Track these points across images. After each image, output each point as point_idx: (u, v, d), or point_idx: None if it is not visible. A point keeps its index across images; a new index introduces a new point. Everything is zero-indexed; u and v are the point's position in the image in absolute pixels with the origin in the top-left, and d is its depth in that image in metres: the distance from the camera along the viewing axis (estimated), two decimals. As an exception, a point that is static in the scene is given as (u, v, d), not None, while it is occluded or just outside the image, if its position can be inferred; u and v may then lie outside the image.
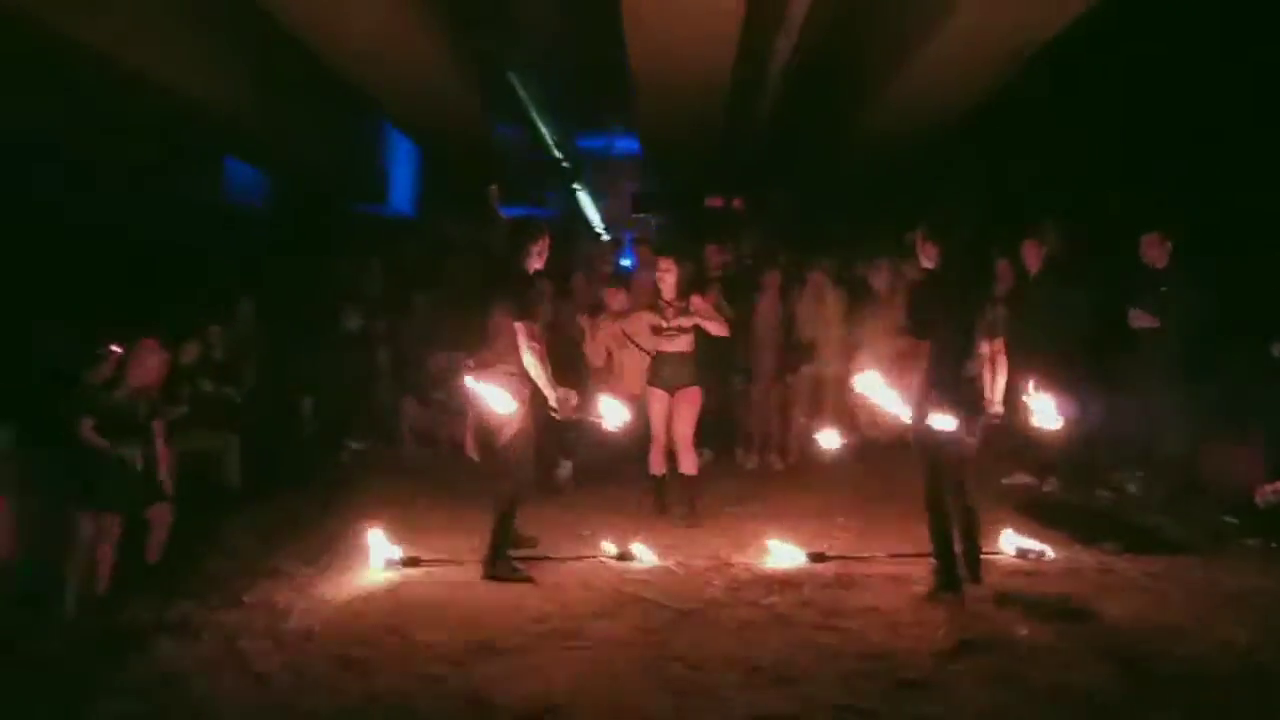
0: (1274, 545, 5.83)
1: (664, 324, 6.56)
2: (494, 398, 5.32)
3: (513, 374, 5.35)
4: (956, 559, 5.02)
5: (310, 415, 8.70)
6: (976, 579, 5.09)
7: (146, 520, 5.53)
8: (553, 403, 5.39)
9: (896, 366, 7.36)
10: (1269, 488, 6.22)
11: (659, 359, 6.64)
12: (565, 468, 7.65)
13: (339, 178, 13.08)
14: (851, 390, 6.44)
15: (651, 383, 6.65)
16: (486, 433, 5.54)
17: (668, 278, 6.59)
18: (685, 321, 6.54)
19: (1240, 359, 6.67)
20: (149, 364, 5.76)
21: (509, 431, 5.37)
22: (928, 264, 5.16)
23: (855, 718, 3.69)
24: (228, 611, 4.93)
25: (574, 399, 5.71)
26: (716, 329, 6.60)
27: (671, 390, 6.57)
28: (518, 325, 5.29)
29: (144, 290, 8.50)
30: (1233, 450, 6.54)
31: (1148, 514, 6.70)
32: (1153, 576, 5.28)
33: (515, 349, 5.31)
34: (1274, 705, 3.71)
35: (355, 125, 12.72)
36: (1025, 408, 5.52)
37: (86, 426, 5.41)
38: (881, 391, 5.43)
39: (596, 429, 6.27)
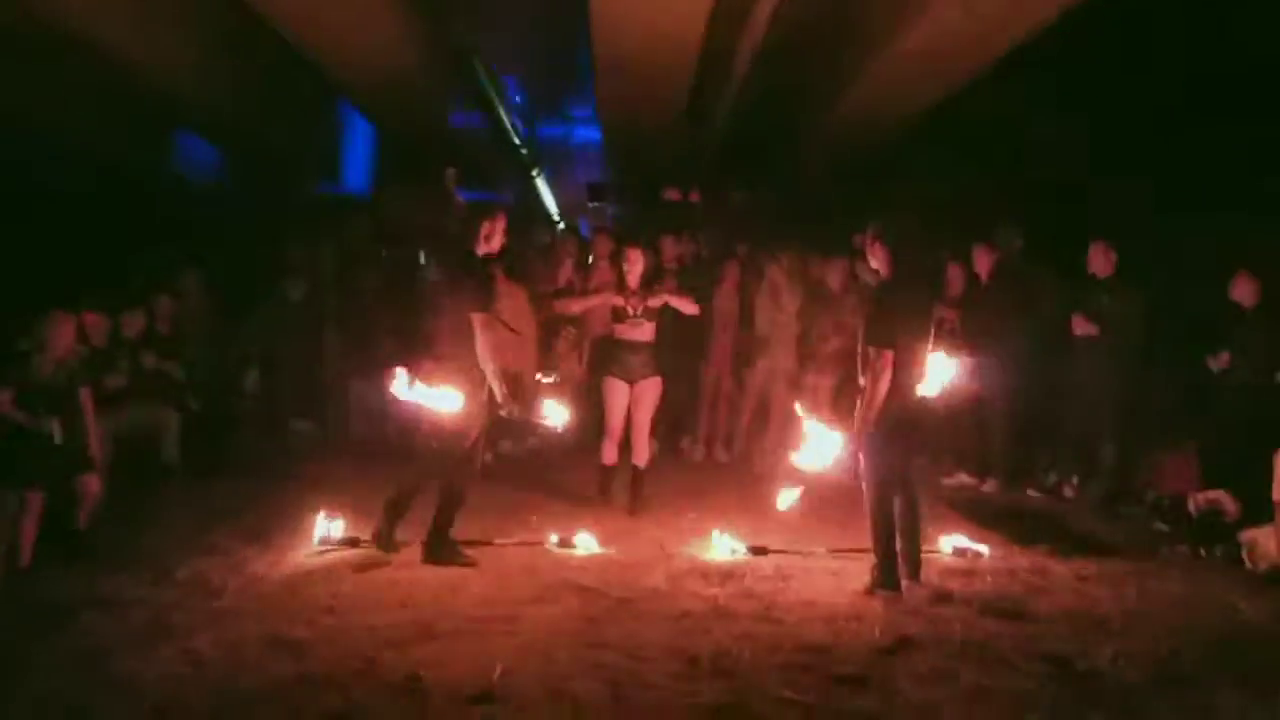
0: (1202, 553, 5.97)
1: (628, 309, 6.52)
2: (438, 398, 5.19)
3: (464, 367, 5.24)
4: (897, 557, 5.08)
5: (255, 392, 8.56)
6: (915, 578, 5.15)
7: (73, 492, 5.41)
8: (500, 399, 5.32)
9: (845, 363, 7.48)
10: (1201, 496, 6.39)
11: (620, 346, 6.59)
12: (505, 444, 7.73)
13: (293, 155, 12.88)
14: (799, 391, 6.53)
15: (612, 372, 6.61)
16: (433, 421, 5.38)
17: (635, 267, 6.57)
18: (655, 301, 6.54)
19: (1178, 370, 6.83)
20: (61, 333, 5.64)
21: (459, 420, 5.26)
22: (877, 266, 5.20)
23: (792, 710, 3.70)
24: (160, 588, 4.84)
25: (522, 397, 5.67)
26: (689, 307, 6.65)
27: (634, 381, 6.55)
28: (474, 316, 5.19)
29: (86, 261, 8.32)
30: (1168, 458, 6.70)
31: (1083, 517, 6.84)
32: (1084, 579, 5.39)
33: (468, 339, 5.21)
34: (1191, 709, 3.78)
35: (311, 103, 12.54)
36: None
37: (4, 400, 5.29)
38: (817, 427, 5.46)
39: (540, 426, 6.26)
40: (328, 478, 6.94)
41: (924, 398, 5.13)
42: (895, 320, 4.98)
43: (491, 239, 5.37)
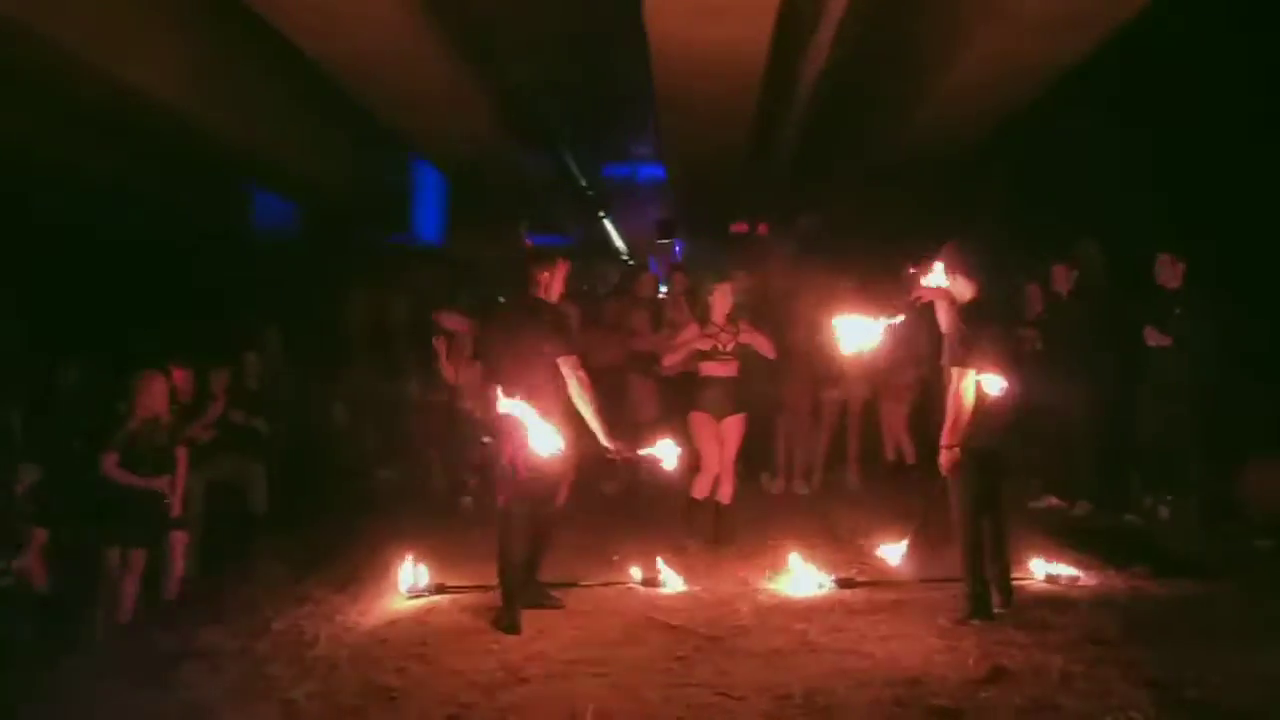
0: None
1: (717, 346, 6.55)
2: (537, 429, 5.03)
3: (551, 410, 5.09)
4: (988, 585, 4.97)
5: (342, 440, 8.72)
6: (1008, 604, 5.04)
7: (167, 547, 5.58)
8: (604, 440, 5.33)
9: (920, 391, 7.38)
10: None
11: (708, 383, 6.59)
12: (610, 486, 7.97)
13: (365, 207, 13.20)
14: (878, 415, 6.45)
15: (700, 408, 6.59)
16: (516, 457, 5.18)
17: (723, 301, 6.62)
18: (744, 338, 6.57)
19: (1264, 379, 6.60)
20: (155, 392, 5.83)
21: (544, 461, 5.06)
22: (958, 290, 5.12)
23: (886, 746, 3.64)
24: (255, 639, 4.94)
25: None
26: (769, 349, 6.66)
27: (720, 417, 6.55)
28: (562, 359, 5.19)
29: (174, 320, 8.61)
30: (1266, 472, 6.45)
31: (1179, 538, 6.61)
32: (1185, 601, 5.21)
33: (551, 385, 5.16)
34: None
35: (381, 154, 12.86)
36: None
37: (110, 462, 5.46)
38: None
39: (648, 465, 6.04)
40: (413, 525, 7.03)
41: (1010, 420, 5.03)
42: (979, 341, 4.92)
43: (551, 287, 5.35)
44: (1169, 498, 7.08)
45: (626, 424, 7.64)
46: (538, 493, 5.20)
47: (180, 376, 6.69)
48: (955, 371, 4.89)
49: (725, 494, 6.63)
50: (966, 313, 5.08)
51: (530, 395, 5.06)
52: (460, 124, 10.68)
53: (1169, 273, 6.97)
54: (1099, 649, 4.53)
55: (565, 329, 5.45)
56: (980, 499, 5.01)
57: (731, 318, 6.64)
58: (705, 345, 6.57)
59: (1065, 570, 5.65)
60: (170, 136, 9.37)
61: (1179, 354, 6.79)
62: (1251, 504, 6.68)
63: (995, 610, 4.94)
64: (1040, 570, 5.69)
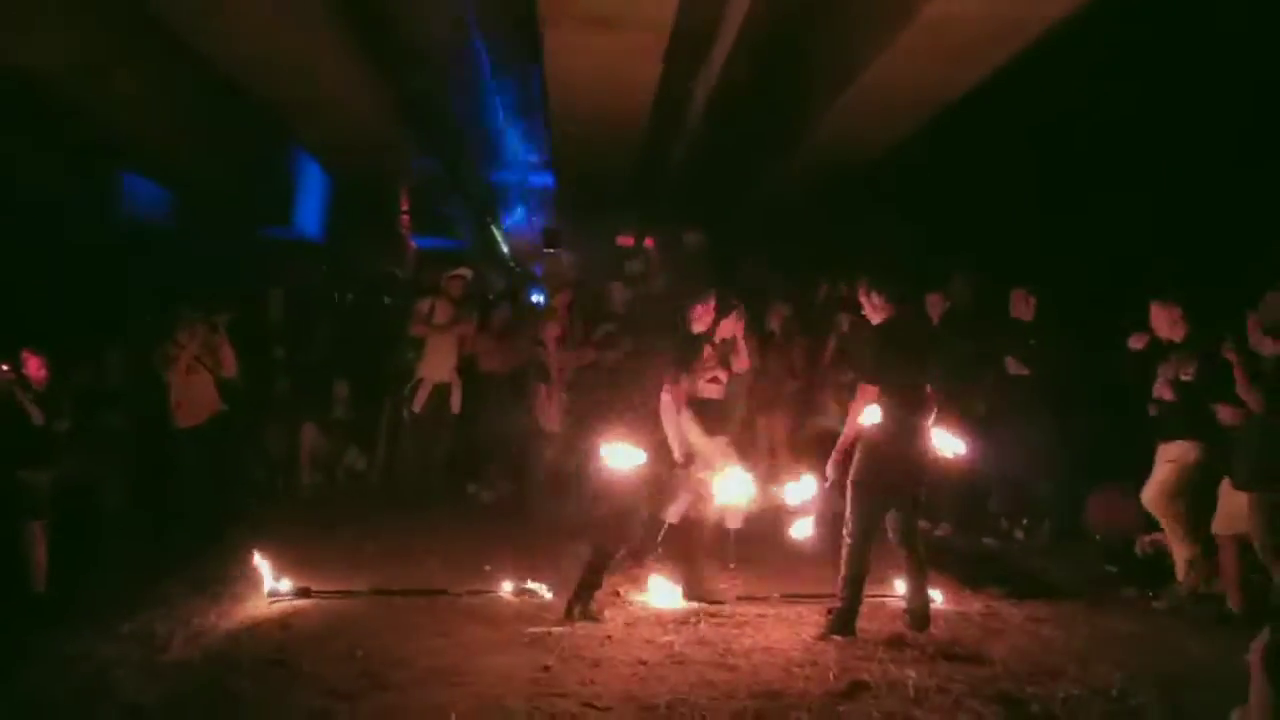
0: (1150, 594, 6.05)
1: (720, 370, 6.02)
2: (626, 455, 5.45)
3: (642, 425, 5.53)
4: (859, 606, 5.09)
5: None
6: (923, 629, 5.16)
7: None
8: (679, 457, 5.42)
9: (799, 406, 7.50)
10: (1147, 539, 6.50)
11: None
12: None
13: (246, 200, 12.79)
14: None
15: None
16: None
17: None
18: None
19: (1118, 413, 6.95)
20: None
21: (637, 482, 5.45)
22: (874, 314, 5.26)
23: (746, 757, 3.69)
24: (102, 642, 4.71)
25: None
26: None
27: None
28: (673, 378, 5.41)
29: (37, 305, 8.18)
30: (1115, 500, 6.80)
31: (1033, 560, 6.91)
32: (1036, 621, 5.44)
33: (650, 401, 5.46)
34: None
35: (264, 147, 12.49)
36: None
37: None
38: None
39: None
40: (279, 527, 6.82)
41: (918, 449, 5.16)
42: (882, 360, 5.08)
43: (703, 319, 5.73)
44: (1025, 522, 7.40)
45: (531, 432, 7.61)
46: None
47: (34, 364, 6.35)
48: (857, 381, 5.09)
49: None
50: (878, 332, 5.23)
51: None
52: (349, 124, 10.48)
53: (1022, 306, 7.37)
54: (952, 665, 4.69)
55: (694, 362, 5.69)
56: (873, 520, 5.11)
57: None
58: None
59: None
60: (54, 120, 8.95)
61: (1034, 383, 7.13)
62: (1099, 530, 7.05)
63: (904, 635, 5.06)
64: (901, 588, 5.85)
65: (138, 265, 10.35)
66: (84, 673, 4.34)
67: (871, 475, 5.05)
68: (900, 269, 5.77)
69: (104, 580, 5.70)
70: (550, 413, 7.91)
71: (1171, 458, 5.78)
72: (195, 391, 7.20)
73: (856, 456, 5.12)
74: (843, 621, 5.05)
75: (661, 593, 5.73)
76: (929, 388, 5.27)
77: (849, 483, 5.12)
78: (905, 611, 5.28)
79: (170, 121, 10.15)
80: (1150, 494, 5.89)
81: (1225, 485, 5.40)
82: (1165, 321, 5.88)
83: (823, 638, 5.01)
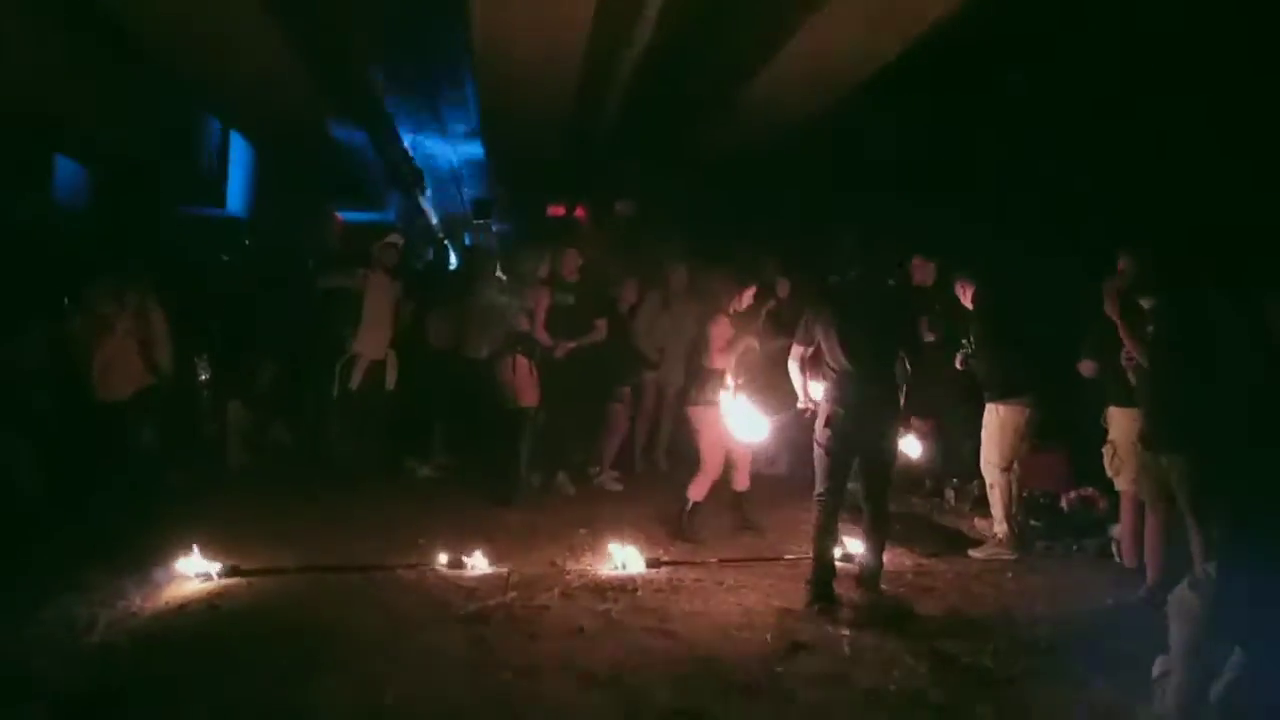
0: (1075, 548, 6.22)
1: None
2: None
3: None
4: (830, 570, 5.13)
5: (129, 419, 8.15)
6: (874, 590, 5.22)
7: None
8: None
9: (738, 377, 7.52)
10: (1074, 494, 6.67)
11: (715, 375, 6.39)
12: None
13: (172, 177, 12.38)
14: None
15: (710, 401, 6.34)
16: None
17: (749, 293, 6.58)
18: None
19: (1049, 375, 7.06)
20: None
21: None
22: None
23: (686, 720, 3.70)
24: (22, 628, 4.55)
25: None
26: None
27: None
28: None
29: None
30: (1042, 458, 6.94)
31: (962, 520, 7.05)
32: (966, 578, 5.57)
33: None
34: (1070, 696, 3.92)
35: (189, 123, 12.10)
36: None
37: None
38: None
39: None
40: (205, 505, 6.67)
41: (865, 410, 5.15)
42: (817, 324, 5.14)
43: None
44: (954, 481, 7.53)
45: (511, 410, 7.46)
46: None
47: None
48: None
49: (744, 481, 6.57)
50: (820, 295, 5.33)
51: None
52: (273, 93, 10.18)
53: (922, 272, 7.47)
54: (886, 624, 4.78)
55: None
56: (832, 485, 5.15)
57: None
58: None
59: (859, 549, 5.91)
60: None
61: (941, 348, 7.21)
62: (1026, 487, 7.19)
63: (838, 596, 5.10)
64: (837, 551, 5.93)
65: (60, 244, 9.98)
66: (3, 660, 4.19)
67: (828, 438, 5.10)
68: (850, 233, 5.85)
69: (23, 564, 5.47)
70: (530, 388, 7.43)
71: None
72: (122, 363, 7.01)
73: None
74: (820, 590, 5.06)
75: (598, 561, 5.73)
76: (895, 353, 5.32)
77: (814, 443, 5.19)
78: (858, 570, 5.33)
79: (89, 96, 9.77)
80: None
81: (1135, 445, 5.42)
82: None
83: (808, 607, 5.00)
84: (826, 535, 5.14)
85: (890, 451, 5.30)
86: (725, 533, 6.45)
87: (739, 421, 6.14)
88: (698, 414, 6.41)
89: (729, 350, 6.34)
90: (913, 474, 7.50)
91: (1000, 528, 6.13)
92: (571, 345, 7.48)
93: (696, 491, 6.36)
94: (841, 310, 5.16)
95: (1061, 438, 7.07)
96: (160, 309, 7.18)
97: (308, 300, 8.43)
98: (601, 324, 7.74)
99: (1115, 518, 6.04)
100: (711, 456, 6.33)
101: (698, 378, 6.50)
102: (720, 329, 6.40)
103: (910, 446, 6.73)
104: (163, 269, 8.27)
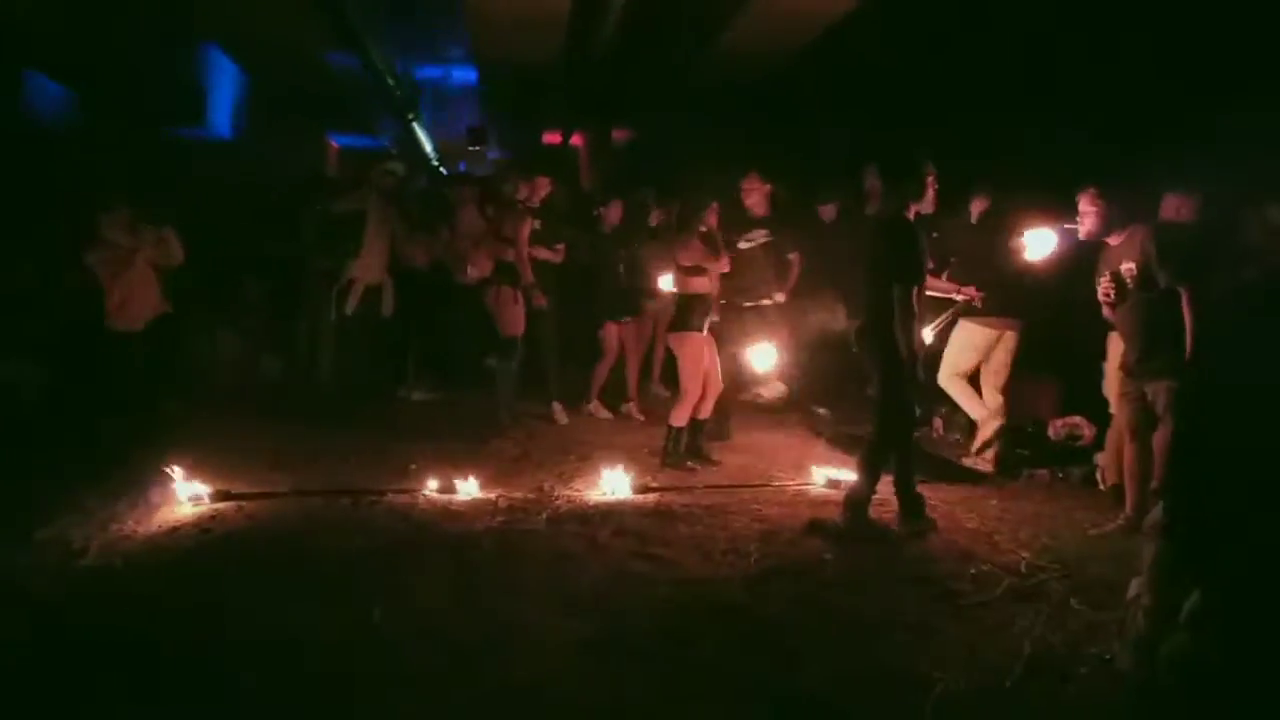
0: (1060, 475, 6.28)
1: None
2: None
3: None
4: (914, 494, 5.17)
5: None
6: (862, 516, 5.19)
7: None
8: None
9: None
10: (1060, 422, 6.70)
11: (699, 301, 6.41)
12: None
13: (155, 98, 12.22)
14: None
15: (693, 327, 6.35)
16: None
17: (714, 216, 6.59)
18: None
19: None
20: None
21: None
22: (887, 205, 5.20)
23: (665, 642, 3.77)
24: (17, 550, 4.61)
25: None
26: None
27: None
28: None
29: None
30: (1028, 387, 6.97)
31: (948, 448, 7.11)
32: (949, 504, 5.61)
33: None
34: (1050, 620, 3.98)
35: (170, 41, 11.91)
36: None
37: None
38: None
39: None
40: (197, 431, 6.72)
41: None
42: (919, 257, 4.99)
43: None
44: (943, 409, 7.57)
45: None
46: None
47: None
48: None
49: (706, 409, 6.54)
50: (908, 225, 5.04)
51: None
52: (257, 14, 10.01)
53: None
54: (867, 548, 4.85)
55: None
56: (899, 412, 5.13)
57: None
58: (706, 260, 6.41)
59: (844, 476, 5.97)
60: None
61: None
62: (1015, 417, 7.23)
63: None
64: (820, 477, 6.00)
65: (42, 167, 9.89)
66: (1, 581, 4.25)
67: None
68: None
69: (17, 487, 5.53)
70: (517, 317, 7.41)
71: None
72: (141, 295, 7.05)
73: None
74: (919, 510, 5.14)
75: (587, 487, 5.79)
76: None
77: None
78: (845, 495, 5.28)
79: (69, 11, 9.61)
80: None
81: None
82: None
83: (917, 534, 5.05)
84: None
85: (876, 381, 5.26)
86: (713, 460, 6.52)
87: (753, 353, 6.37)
88: (677, 340, 6.42)
89: (699, 274, 6.35)
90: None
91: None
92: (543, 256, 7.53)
93: (678, 417, 6.39)
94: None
95: (1051, 365, 7.10)
96: (179, 240, 7.18)
97: (303, 225, 8.40)
98: (561, 247, 7.71)
99: (1101, 446, 6.09)
100: (691, 383, 6.33)
101: (676, 305, 6.50)
102: (689, 252, 6.39)
103: (760, 357, 6.76)
104: (152, 191, 8.25)
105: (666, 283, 6.46)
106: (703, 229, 6.43)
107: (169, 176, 9.36)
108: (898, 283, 4.83)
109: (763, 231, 7.41)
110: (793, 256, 7.74)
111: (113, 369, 7.18)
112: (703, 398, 6.41)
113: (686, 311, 6.36)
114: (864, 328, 5.12)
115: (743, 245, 7.26)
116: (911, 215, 4.99)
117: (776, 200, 7.64)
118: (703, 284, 6.37)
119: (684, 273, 6.39)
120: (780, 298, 7.45)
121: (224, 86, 13.61)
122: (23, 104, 11.36)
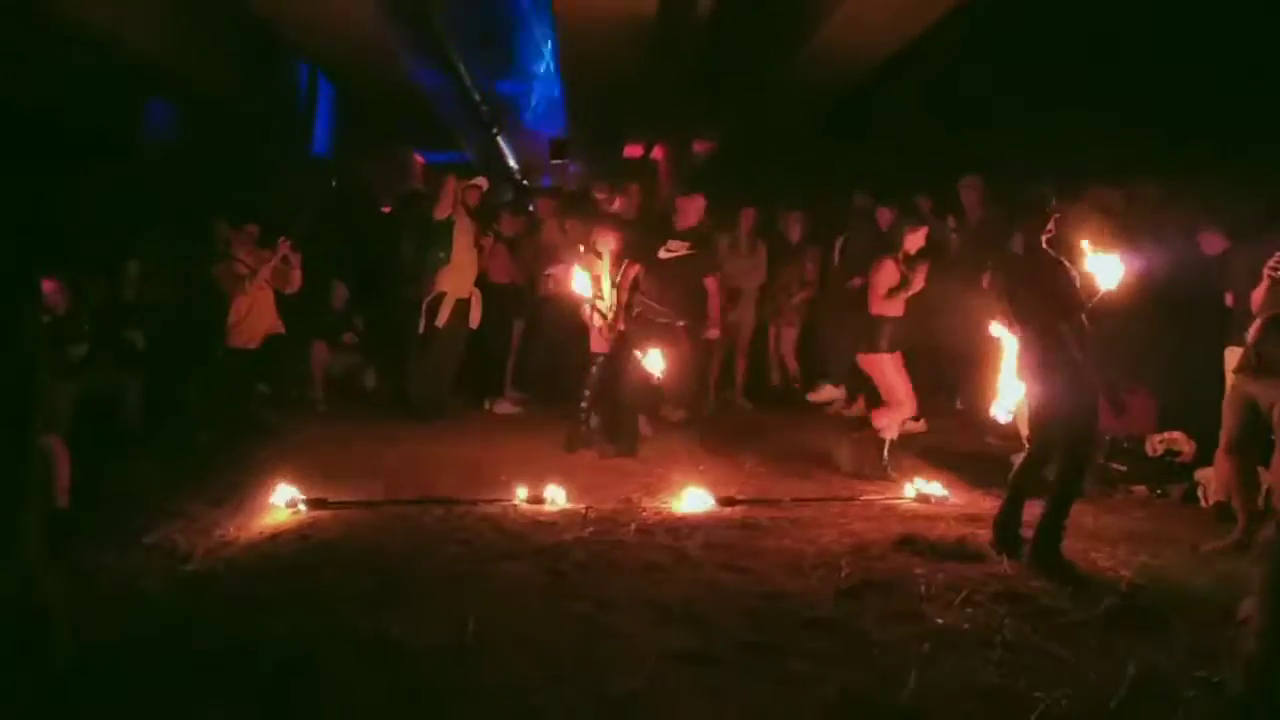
0: (1158, 493, 6.10)
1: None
2: None
3: None
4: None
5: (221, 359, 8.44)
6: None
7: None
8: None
9: (803, 315, 7.57)
10: (1158, 438, 6.52)
11: (893, 322, 6.55)
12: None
13: (263, 119, 12.63)
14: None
15: (890, 348, 6.52)
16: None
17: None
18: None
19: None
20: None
21: None
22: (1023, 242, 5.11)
23: (758, 654, 3.76)
24: (126, 555, 4.80)
25: None
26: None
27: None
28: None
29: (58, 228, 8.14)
30: (1126, 400, 6.78)
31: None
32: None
33: None
34: (1147, 643, 3.88)
35: (278, 64, 12.32)
36: None
37: None
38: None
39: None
40: (295, 441, 6.91)
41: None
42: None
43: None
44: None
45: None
46: None
47: (49, 287, 6.36)
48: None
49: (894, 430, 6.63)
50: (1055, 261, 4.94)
51: None
52: (348, 33, 10.30)
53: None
54: (962, 564, 4.76)
55: None
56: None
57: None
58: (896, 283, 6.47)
59: (934, 490, 5.90)
60: (72, 47, 8.86)
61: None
62: (1110, 430, 7.05)
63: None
64: (911, 490, 5.93)
65: (155, 185, 10.28)
66: (110, 584, 4.42)
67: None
68: None
69: (125, 495, 5.76)
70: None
71: None
72: (259, 313, 7.32)
73: None
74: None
75: (676, 499, 5.81)
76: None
77: None
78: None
79: (186, 41, 10.02)
80: None
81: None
82: None
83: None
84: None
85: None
86: (795, 473, 6.48)
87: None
88: (869, 362, 6.54)
89: (893, 296, 6.39)
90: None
91: None
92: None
93: (888, 429, 6.51)
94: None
95: (1147, 380, 6.91)
96: (298, 258, 7.43)
97: (403, 235, 8.58)
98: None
99: (1201, 462, 5.91)
100: (893, 395, 6.47)
101: (865, 327, 6.58)
102: (885, 274, 6.42)
103: (652, 362, 6.66)
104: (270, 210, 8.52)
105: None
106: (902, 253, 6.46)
107: (280, 193, 9.63)
108: (1063, 320, 4.73)
109: (683, 244, 7.36)
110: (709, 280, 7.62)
111: (226, 384, 7.45)
112: (896, 409, 6.50)
113: (872, 333, 6.46)
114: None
115: (663, 255, 7.27)
116: (1045, 244, 4.87)
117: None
118: (896, 307, 6.43)
119: (884, 296, 6.43)
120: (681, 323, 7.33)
121: (323, 107, 14.01)
122: (144, 128, 11.82)
